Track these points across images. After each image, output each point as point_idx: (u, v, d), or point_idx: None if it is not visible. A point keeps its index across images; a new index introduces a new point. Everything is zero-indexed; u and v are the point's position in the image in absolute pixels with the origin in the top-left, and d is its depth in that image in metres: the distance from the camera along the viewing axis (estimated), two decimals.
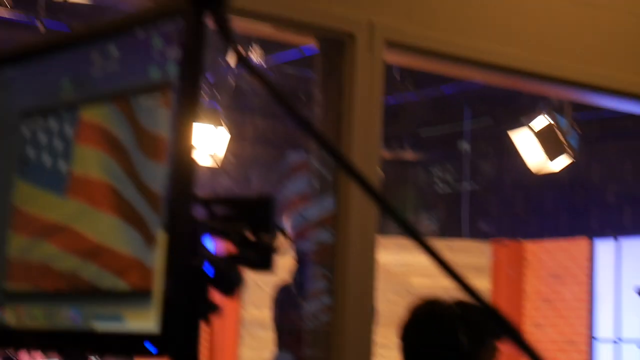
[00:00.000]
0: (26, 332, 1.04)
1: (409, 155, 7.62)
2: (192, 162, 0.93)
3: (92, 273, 0.99)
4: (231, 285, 0.96)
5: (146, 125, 0.99)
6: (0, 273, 1.08)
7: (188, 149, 0.92)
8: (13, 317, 1.06)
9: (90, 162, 1.03)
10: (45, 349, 1.07)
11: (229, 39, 0.89)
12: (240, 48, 0.91)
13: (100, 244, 1.00)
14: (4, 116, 1.12)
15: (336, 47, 2.99)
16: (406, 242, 0.88)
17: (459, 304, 2.17)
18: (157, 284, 0.93)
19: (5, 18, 5.11)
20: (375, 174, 2.98)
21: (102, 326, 0.99)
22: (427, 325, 2.17)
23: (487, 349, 2.23)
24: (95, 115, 1.03)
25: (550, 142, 5.02)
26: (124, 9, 3.55)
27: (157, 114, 0.98)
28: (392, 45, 3.00)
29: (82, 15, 5.10)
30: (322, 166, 2.96)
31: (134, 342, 0.96)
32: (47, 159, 1.07)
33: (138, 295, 0.97)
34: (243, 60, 1.01)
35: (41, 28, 4.84)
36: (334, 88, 3.00)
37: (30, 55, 1.09)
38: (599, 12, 3.33)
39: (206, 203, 0.99)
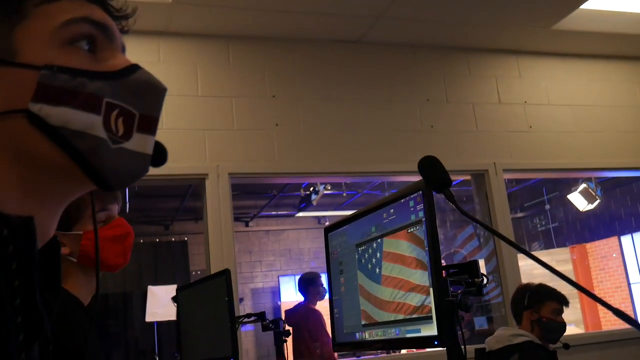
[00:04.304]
0: (374, 342, 2.19)
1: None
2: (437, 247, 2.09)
3: (408, 306, 2.13)
4: (467, 308, 2.10)
5: (415, 241, 2.13)
6: (359, 317, 2.25)
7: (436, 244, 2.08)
8: (367, 335, 2.19)
9: (391, 270, 1.96)
10: (383, 349, 1.90)
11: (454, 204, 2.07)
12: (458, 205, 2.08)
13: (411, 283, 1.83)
14: (350, 246, 2.31)
15: None
16: None
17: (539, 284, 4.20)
18: (436, 312, 2.06)
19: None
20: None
21: (410, 335, 2.12)
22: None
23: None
24: (390, 244, 2.14)
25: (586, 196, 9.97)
26: None
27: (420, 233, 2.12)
28: None
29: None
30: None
31: (426, 341, 1.91)
32: (369, 266, 2.08)
33: (426, 319, 2.09)
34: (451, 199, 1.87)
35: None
36: None
37: (356, 219, 2.29)
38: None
39: (446, 267, 2.13)
